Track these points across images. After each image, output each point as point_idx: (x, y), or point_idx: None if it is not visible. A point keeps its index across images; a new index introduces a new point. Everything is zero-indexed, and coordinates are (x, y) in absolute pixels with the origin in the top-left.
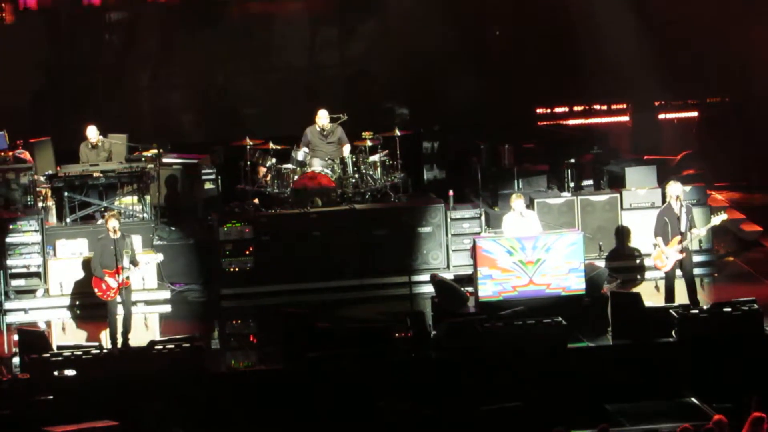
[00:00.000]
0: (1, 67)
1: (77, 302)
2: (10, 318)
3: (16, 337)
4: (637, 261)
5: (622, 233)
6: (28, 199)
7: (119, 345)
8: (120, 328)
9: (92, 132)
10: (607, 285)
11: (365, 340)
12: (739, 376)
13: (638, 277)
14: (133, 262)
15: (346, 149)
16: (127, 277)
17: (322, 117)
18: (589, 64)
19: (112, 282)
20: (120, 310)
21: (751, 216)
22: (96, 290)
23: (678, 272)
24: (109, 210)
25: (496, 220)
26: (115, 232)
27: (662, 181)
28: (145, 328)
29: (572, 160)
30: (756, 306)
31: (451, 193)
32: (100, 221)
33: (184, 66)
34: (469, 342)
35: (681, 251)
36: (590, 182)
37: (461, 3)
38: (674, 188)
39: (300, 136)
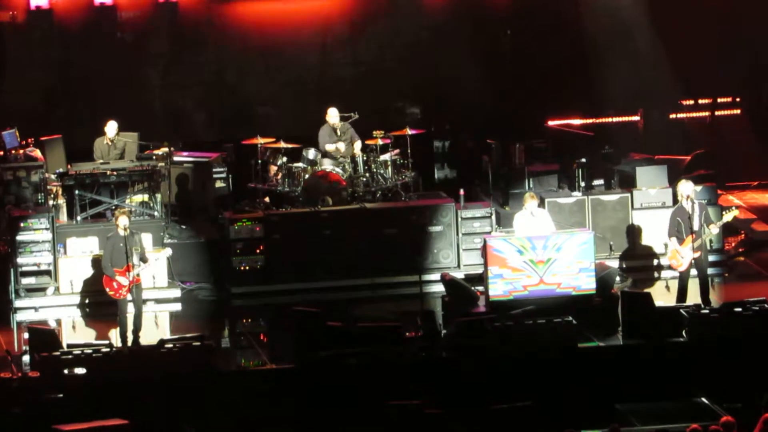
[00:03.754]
0: (13, 66)
1: (87, 300)
2: (20, 316)
3: (26, 336)
4: (648, 261)
5: (633, 233)
6: (39, 197)
7: (129, 343)
8: (131, 327)
9: (112, 128)
10: (617, 285)
11: (376, 339)
12: (750, 376)
13: (649, 276)
14: (143, 259)
15: (357, 146)
16: (138, 275)
17: (333, 115)
18: (601, 63)
19: (123, 280)
20: (131, 309)
21: (762, 216)
22: (107, 289)
23: (693, 272)
24: (119, 207)
25: (506, 220)
26: (125, 229)
27: (673, 181)
28: (155, 327)
29: (583, 160)
30: (767, 306)
31: (461, 192)
32: (111, 219)
33: (196, 64)
34: (480, 341)
35: (695, 250)
36: (601, 182)
37: (472, 2)
38: (685, 187)
39: (310, 135)
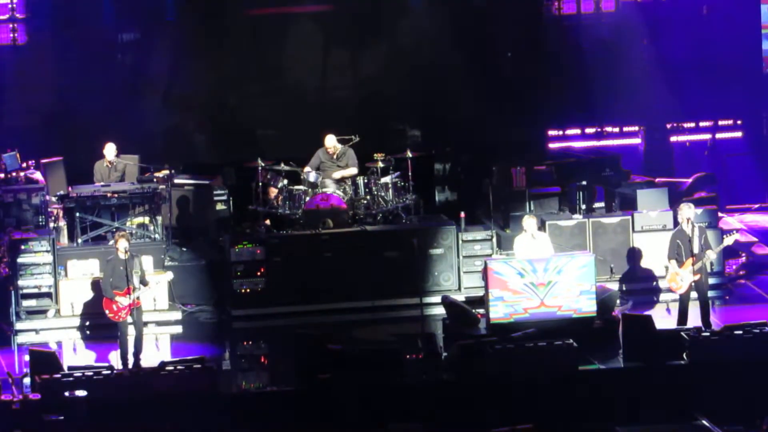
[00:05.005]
0: (14, 87)
1: (88, 323)
2: (21, 338)
3: (27, 358)
4: (649, 283)
5: (634, 255)
6: (40, 220)
7: (130, 366)
8: (131, 349)
9: (110, 150)
10: (618, 307)
11: (376, 361)
12: (750, 398)
13: (650, 299)
14: (143, 282)
15: (351, 171)
16: (138, 297)
17: (330, 142)
18: (602, 86)
19: (123, 303)
20: (131, 331)
21: (762, 239)
22: (107, 312)
23: (693, 294)
24: (119, 230)
25: (507, 242)
26: (125, 252)
27: (674, 204)
28: (155, 349)
29: (584, 183)
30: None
31: (462, 214)
32: (111, 242)
33: (196, 87)
34: (480, 364)
35: (695, 273)
36: (602, 204)
37: (473, 25)
38: (685, 211)
39: (311, 157)
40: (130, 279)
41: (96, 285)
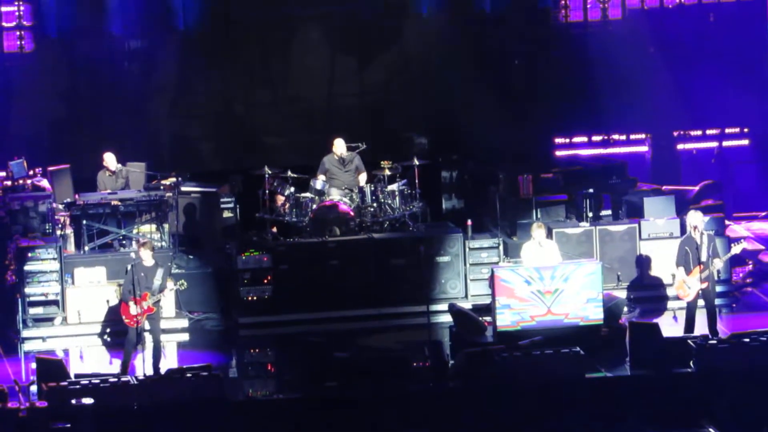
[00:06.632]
0: (21, 95)
1: (95, 330)
2: (28, 346)
3: (33, 365)
4: (656, 291)
5: (641, 263)
6: (47, 227)
7: (149, 373)
8: (145, 357)
9: (110, 159)
10: (625, 315)
11: (383, 369)
12: (757, 406)
13: (657, 307)
14: (161, 290)
15: (362, 178)
16: (155, 304)
17: (339, 146)
18: (608, 93)
19: (136, 308)
20: (142, 339)
21: None
22: (123, 317)
23: (700, 302)
24: (142, 238)
25: (514, 250)
26: (149, 260)
27: (681, 212)
28: (162, 357)
29: (590, 190)
30: None
31: (469, 222)
32: (121, 249)
33: (204, 95)
34: (487, 372)
35: (703, 281)
36: (608, 212)
37: (480, 33)
38: (693, 218)
39: (318, 165)
40: (149, 286)
41: (103, 292)
